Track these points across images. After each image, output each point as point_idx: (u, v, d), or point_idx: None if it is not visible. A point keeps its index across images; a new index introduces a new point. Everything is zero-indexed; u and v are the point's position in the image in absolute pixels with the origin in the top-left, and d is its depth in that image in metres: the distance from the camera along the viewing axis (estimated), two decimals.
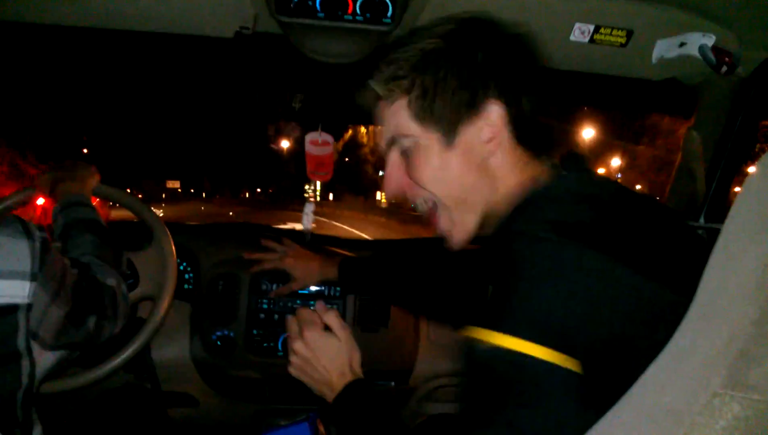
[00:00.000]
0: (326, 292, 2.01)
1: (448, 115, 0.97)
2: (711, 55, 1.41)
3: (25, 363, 1.09)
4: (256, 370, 2.02)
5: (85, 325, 1.19)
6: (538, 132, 1.01)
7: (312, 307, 1.32)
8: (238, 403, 2.09)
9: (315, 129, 1.98)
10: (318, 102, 2.02)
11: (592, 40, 1.43)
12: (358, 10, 1.33)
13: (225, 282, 2.00)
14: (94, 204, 1.56)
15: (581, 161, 1.02)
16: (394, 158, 1.06)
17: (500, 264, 0.86)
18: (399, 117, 1.01)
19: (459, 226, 1.03)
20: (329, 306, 1.33)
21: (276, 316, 2.00)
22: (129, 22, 1.48)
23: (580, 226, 0.81)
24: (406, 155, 1.03)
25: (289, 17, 1.35)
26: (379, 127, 1.08)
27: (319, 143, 1.97)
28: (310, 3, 1.31)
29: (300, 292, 1.99)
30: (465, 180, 0.99)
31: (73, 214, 1.45)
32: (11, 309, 1.05)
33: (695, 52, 1.43)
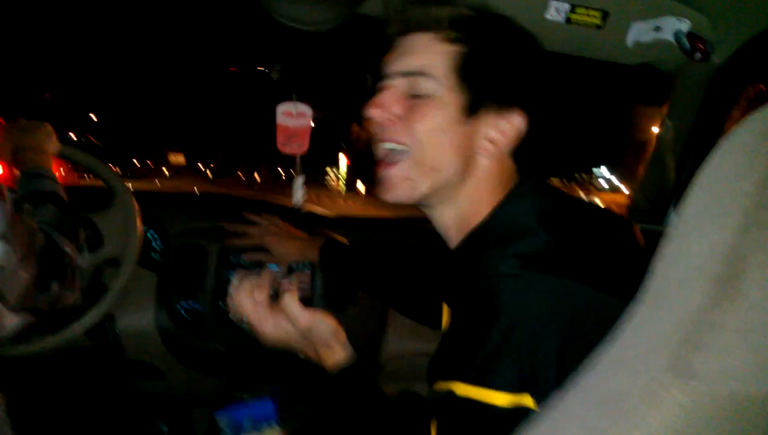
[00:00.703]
0: (295, 268, 1.99)
1: (484, 93, 0.96)
2: (685, 41, 1.40)
3: None
4: (222, 343, 2.00)
5: (49, 290, 1.18)
6: (533, 156, 1.02)
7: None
8: (204, 375, 2.07)
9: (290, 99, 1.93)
10: (293, 71, 1.98)
11: (567, 21, 1.41)
12: None
13: (193, 252, 1.97)
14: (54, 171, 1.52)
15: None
16: (399, 88, 1.01)
17: (475, 304, 0.88)
18: (439, 59, 0.97)
19: (409, 184, 1.01)
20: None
21: None
22: None
23: (544, 257, 0.85)
24: (416, 96, 0.99)
25: None
26: (398, 52, 1.02)
27: (293, 115, 1.93)
28: None
29: (269, 266, 1.97)
30: (449, 154, 0.98)
31: (33, 185, 1.41)
32: None
33: (670, 37, 1.42)
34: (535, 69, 1.00)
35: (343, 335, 1.17)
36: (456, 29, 0.96)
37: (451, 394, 0.85)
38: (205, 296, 1.96)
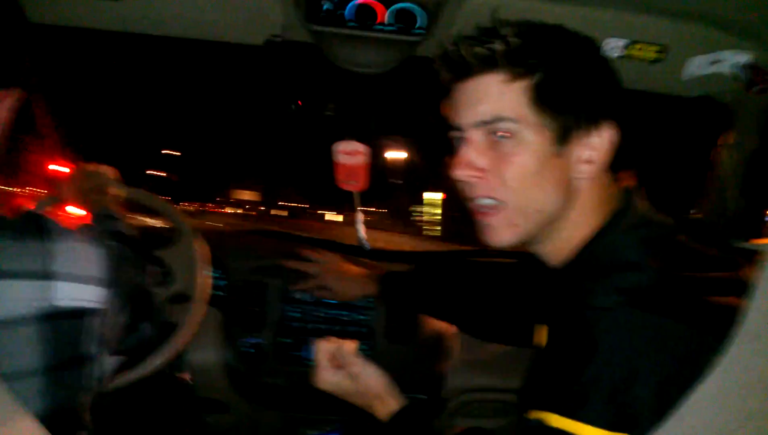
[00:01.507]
0: (356, 302, 2.01)
1: (569, 121, 0.92)
2: (743, 74, 1.39)
3: (91, 368, 1.10)
4: (285, 378, 2.03)
5: (139, 331, 1.22)
6: (623, 160, 0.98)
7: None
8: (267, 410, 2.09)
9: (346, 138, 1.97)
10: (349, 111, 2.03)
11: (623, 56, 1.42)
12: (388, 20, 1.33)
13: (255, 289, 2.01)
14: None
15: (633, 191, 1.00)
16: (479, 139, 0.95)
17: (573, 333, 0.88)
18: (513, 98, 0.91)
19: (511, 229, 0.96)
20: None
21: (305, 325, 2.01)
22: (166, 28, 1.51)
23: (646, 293, 0.83)
24: (498, 145, 0.93)
25: (320, 26, 1.35)
26: (465, 100, 0.95)
27: (348, 152, 1.97)
28: (339, 12, 1.32)
29: (330, 301, 1.99)
30: (550, 192, 0.94)
31: (102, 226, 1.47)
32: (87, 313, 1.06)
33: (728, 70, 1.41)
34: (607, 74, 0.96)
35: (393, 387, 1.23)
36: (520, 62, 0.90)
37: (543, 424, 0.84)
38: (267, 332, 2.00)
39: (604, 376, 0.79)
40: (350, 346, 1.27)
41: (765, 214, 1.68)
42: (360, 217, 2.16)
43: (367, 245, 2.15)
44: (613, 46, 1.40)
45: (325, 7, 1.31)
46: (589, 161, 0.94)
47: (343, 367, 1.26)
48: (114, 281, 1.09)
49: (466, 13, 1.37)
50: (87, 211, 1.55)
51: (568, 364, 0.86)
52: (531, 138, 0.91)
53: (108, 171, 1.68)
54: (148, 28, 1.51)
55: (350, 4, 1.30)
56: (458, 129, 0.97)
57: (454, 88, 0.97)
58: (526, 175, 0.92)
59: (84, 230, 1.12)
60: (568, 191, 0.95)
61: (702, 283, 0.87)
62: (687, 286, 0.85)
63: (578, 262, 0.96)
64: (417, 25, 1.34)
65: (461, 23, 1.41)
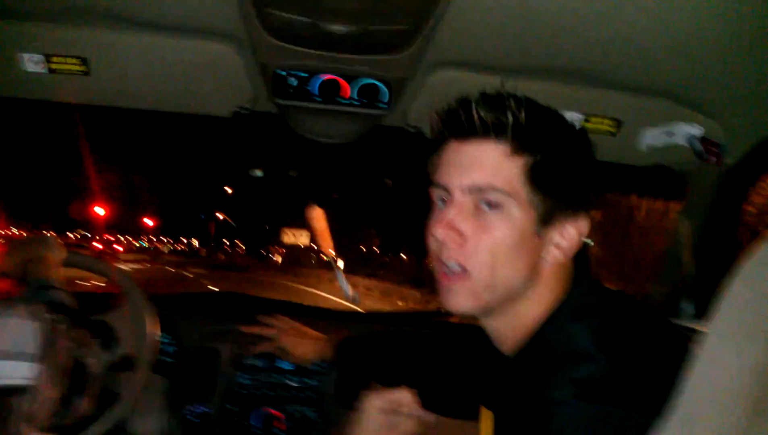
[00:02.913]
0: (306, 367, 1.98)
1: (560, 201, 0.93)
2: (699, 145, 1.45)
3: None
4: None
5: (72, 406, 1.18)
6: (585, 246, 0.99)
7: None
8: None
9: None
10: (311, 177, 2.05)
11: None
12: (354, 95, 1.37)
13: (205, 355, 1.97)
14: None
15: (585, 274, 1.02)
16: (466, 205, 0.93)
17: (527, 425, 0.87)
18: (511, 171, 0.90)
19: (473, 298, 0.95)
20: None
21: (256, 392, 1.97)
22: (136, 101, 1.52)
23: (598, 384, 0.82)
24: (483, 213, 0.92)
25: (286, 100, 1.38)
26: (460, 163, 0.94)
27: (314, 217, 2.00)
28: (307, 87, 1.35)
29: (279, 365, 1.97)
30: (519, 271, 0.93)
31: (42, 297, 1.44)
32: (12, 391, 1.04)
33: (683, 142, 1.47)
34: (594, 165, 0.98)
35: None
36: (524, 137, 0.90)
37: None
38: (215, 400, 1.95)
39: None
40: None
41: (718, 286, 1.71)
42: (342, 275, 2.16)
43: (357, 299, 2.14)
44: (571, 120, 1.45)
45: (291, 82, 1.34)
46: (562, 248, 0.95)
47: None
48: (45, 356, 1.07)
49: (428, 87, 1.42)
50: (23, 281, 1.52)
51: None
52: (518, 214, 0.91)
53: (47, 239, 1.66)
54: (117, 102, 1.52)
55: (316, 81, 1.34)
56: (445, 189, 0.96)
57: (448, 148, 0.96)
58: (502, 249, 0.92)
59: (14, 303, 1.10)
60: (534, 272, 0.95)
61: (654, 366, 0.86)
62: (641, 373, 0.85)
63: (531, 348, 0.96)
64: (381, 99, 1.37)
65: (424, 97, 1.46)
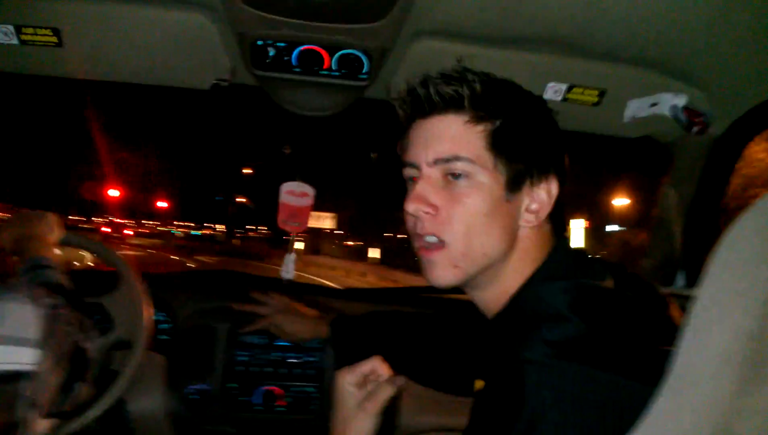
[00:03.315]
0: (306, 344, 1.98)
1: (525, 165, 0.94)
2: (682, 115, 1.44)
3: (22, 433, 1.05)
4: (234, 425, 1.97)
5: (73, 392, 1.17)
6: (563, 212, 1.00)
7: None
8: None
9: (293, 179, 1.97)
10: (297, 153, 2.02)
11: (564, 99, 1.45)
12: (334, 66, 1.34)
13: (202, 333, 1.96)
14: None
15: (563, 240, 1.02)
16: (434, 177, 0.95)
17: (503, 386, 0.86)
18: (472, 140, 0.92)
19: (453, 270, 0.96)
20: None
21: (254, 369, 1.96)
22: (111, 73, 1.49)
23: (574, 344, 0.82)
24: (452, 184, 0.94)
25: (265, 71, 1.36)
26: (424, 138, 0.96)
27: (296, 193, 1.97)
28: (285, 58, 1.32)
29: (277, 343, 1.96)
30: (495, 237, 0.94)
31: (37, 278, 1.42)
32: (16, 376, 1.02)
33: (667, 112, 1.45)
34: (556, 130, 1.00)
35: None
36: (483, 106, 0.93)
37: None
38: (215, 378, 1.94)
39: (532, 432, 0.77)
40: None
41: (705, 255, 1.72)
42: (293, 257, 2.14)
43: (289, 276, 2.12)
44: (555, 90, 1.44)
45: (269, 52, 1.31)
46: (533, 211, 0.96)
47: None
48: (47, 341, 1.06)
49: (409, 58, 1.40)
50: (20, 258, 1.49)
51: (498, 418, 0.84)
52: (485, 180, 0.92)
53: (48, 216, 1.63)
54: (91, 74, 1.49)
55: (295, 51, 1.31)
56: (414, 166, 0.98)
57: (413, 126, 0.98)
58: (475, 216, 0.93)
59: (14, 287, 1.08)
60: (511, 238, 0.96)
61: (634, 330, 0.87)
62: (618, 335, 0.85)
63: (508, 312, 0.96)
64: (361, 70, 1.35)
65: (405, 68, 1.43)
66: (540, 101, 1.00)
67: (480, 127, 0.92)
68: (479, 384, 1.11)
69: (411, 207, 0.95)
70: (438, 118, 0.95)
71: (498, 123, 0.92)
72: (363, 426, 1.09)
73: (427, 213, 0.95)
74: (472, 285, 1.00)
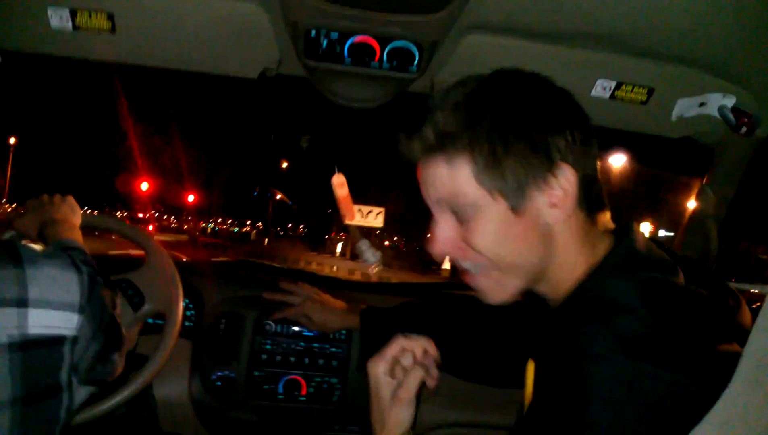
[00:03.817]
0: (331, 335, 1.99)
1: (518, 178, 0.91)
2: (731, 116, 1.43)
3: (66, 397, 1.08)
4: (256, 413, 1.98)
5: (110, 361, 1.19)
6: (598, 194, 0.97)
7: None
8: None
9: (333, 171, 1.98)
10: (335, 143, 2.03)
11: (612, 96, 1.45)
12: (385, 58, 1.34)
13: (228, 320, 1.97)
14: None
15: (630, 229, 0.98)
16: (443, 218, 0.98)
17: (565, 379, 0.85)
18: (458, 176, 0.92)
19: (502, 288, 0.98)
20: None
21: (278, 358, 1.97)
22: (162, 60, 1.51)
23: (642, 341, 0.80)
24: (461, 218, 0.95)
25: (317, 62, 1.36)
26: (423, 181, 0.99)
27: (342, 184, 1.98)
28: (338, 49, 1.33)
29: (304, 333, 1.97)
30: (525, 247, 0.94)
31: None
32: (60, 340, 1.04)
33: (714, 112, 1.45)
34: (556, 115, 0.94)
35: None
36: (453, 143, 0.92)
37: None
38: (239, 365, 1.95)
39: (598, 428, 0.77)
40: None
41: (754, 254, 1.71)
42: (367, 242, 2.16)
43: (374, 259, 2.14)
44: (603, 87, 1.44)
45: (324, 43, 1.32)
46: (555, 205, 0.93)
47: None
48: (87, 308, 1.07)
49: (458, 52, 1.40)
50: (45, 242, 1.50)
51: (560, 413, 0.83)
52: (486, 204, 0.92)
53: (69, 200, 1.65)
54: (142, 60, 1.51)
55: (348, 42, 1.32)
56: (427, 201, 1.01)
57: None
58: (493, 239, 0.93)
59: (56, 256, 1.10)
60: (544, 239, 0.94)
61: (701, 328, 0.85)
62: (687, 334, 0.83)
63: (571, 303, 0.95)
64: (413, 63, 1.35)
65: (452, 62, 1.44)
66: (516, 93, 0.95)
67: (460, 161, 0.92)
68: (531, 365, 1.10)
69: (435, 251, 1.00)
70: (424, 164, 0.97)
71: (477, 150, 0.91)
72: (400, 416, 1.10)
73: (453, 250, 0.99)
74: (529, 289, 1.00)
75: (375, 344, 1.91)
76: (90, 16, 1.35)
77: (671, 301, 0.86)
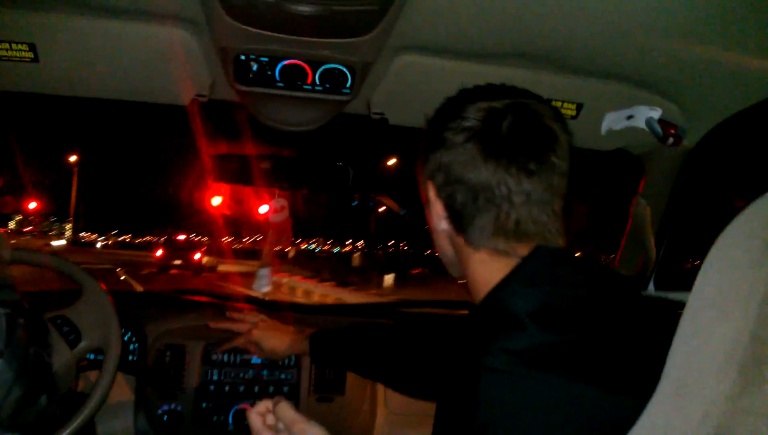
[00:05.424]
0: (280, 362, 1.96)
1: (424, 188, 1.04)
2: (657, 128, 1.47)
3: None
4: None
5: (36, 406, 1.14)
6: (463, 216, 0.98)
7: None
8: None
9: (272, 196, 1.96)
10: (272, 166, 2.01)
11: None
12: (317, 81, 1.34)
13: (173, 353, 1.92)
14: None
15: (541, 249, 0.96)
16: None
17: (463, 396, 0.85)
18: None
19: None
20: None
21: (227, 388, 1.93)
22: (88, 89, 1.47)
23: (538, 352, 0.80)
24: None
25: (248, 86, 1.35)
26: None
27: (278, 210, 1.95)
28: (269, 72, 1.32)
29: (252, 361, 1.94)
30: (444, 249, 1.06)
31: None
32: None
33: (642, 125, 1.49)
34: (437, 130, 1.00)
35: None
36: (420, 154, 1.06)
37: None
38: (186, 398, 1.90)
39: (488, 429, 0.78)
40: (284, 404, 1.12)
41: (683, 263, 1.75)
42: (267, 270, 2.11)
43: (265, 289, 2.10)
44: None
45: (254, 67, 1.31)
46: (439, 221, 1.02)
47: (281, 431, 1.15)
48: (5, 353, 1.03)
49: (390, 73, 1.41)
50: None
51: (453, 424, 0.86)
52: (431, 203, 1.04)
53: None
54: (68, 90, 1.47)
55: (278, 65, 1.31)
56: None
57: None
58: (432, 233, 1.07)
59: None
60: (456, 250, 1.03)
61: (610, 340, 0.84)
62: (586, 344, 0.82)
63: (473, 316, 0.99)
64: (344, 84, 1.35)
65: (386, 83, 1.44)
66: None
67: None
68: None
69: None
70: None
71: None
72: None
73: None
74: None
75: (324, 366, 1.90)
76: (11, 46, 1.31)
77: (563, 312, 0.86)
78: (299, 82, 1.34)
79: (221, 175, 1.79)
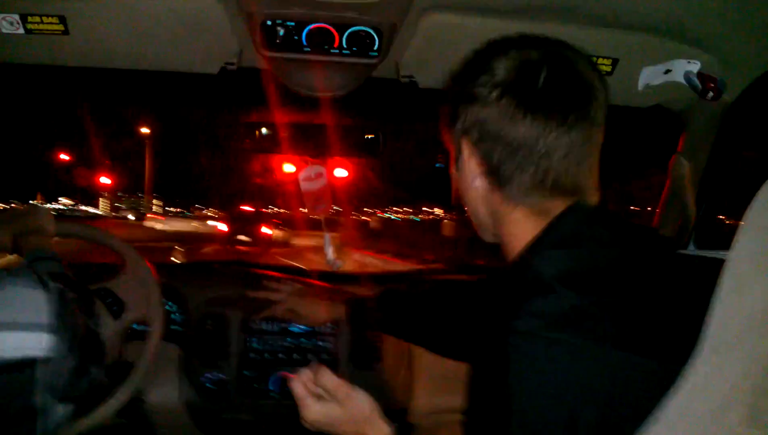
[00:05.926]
0: (318, 329, 1.98)
1: (453, 140, 1.01)
2: (696, 81, 1.42)
3: (40, 419, 1.05)
4: (250, 413, 1.97)
5: (89, 376, 1.16)
6: (502, 170, 0.95)
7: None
8: None
9: (305, 164, 1.96)
10: (303, 134, 2.00)
11: None
12: (344, 44, 1.33)
13: (215, 322, 1.96)
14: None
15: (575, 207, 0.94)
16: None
17: (493, 359, 0.84)
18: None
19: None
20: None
21: (267, 356, 1.96)
22: (118, 60, 1.48)
23: (570, 315, 0.78)
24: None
25: (276, 52, 1.34)
26: None
27: (312, 178, 1.95)
28: (296, 37, 1.31)
29: (291, 329, 1.96)
30: (477, 209, 1.02)
31: (38, 269, 1.41)
32: (29, 363, 1.02)
33: (680, 79, 1.44)
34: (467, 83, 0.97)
35: (380, 410, 1.13)
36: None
37: None
38: (229, 366, 1.95)
39: (518, 404, 0.76)
40: (326, 371, 1.17)
41: (723, 222, 1.71)
42: (329, 239, 2.14)
43: (339, 265, 2.13)
44: None
45: (280, 33, 1.29)
46: (474, 179, 0.99)
47: (325, 397, 1.17)
48: (58, 325, 1.05)
49: (418, 34, 1.38)
50: (20, 253, 1.48)
51: (484, 390, 0.86)
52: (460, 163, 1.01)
53: (43, 209, 1.62)
54: (98, 62, 1.48)
55: (305, 29, 1.29)
56: None
57: None
58: (461, 193, 1.05)
59: (21, 274, 1.07)
60: (489, 208, 1.00)
61: (642, 302, 0.81)
62: (619, 307, 0.80)
63: (505, 278, 0.96)
64: (371, 47, 1.33)
65: (414, 45, 1.42)
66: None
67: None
68: None
69: None
70: None
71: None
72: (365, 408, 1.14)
73: None
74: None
75: (363, 334, 1.91)
76: (41, 19, 1.32)
77: (593, 275, 0.83)
78: (326, 46, 1.33)
79: (251, 144, 1.80)
